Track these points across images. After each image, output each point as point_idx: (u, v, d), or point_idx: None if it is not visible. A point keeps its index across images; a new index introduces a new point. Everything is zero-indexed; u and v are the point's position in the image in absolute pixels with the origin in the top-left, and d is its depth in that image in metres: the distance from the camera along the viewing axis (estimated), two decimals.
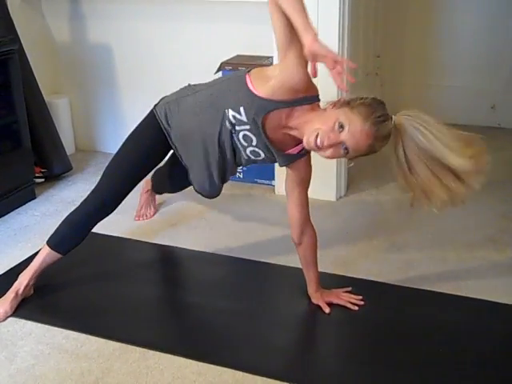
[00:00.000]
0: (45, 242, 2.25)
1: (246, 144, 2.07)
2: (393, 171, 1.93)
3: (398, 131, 1.89)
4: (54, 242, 2.23)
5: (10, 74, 2.98)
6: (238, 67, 3.07)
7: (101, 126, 3.79)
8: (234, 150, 2.11)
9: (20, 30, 3.24)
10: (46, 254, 2.24)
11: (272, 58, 3.00)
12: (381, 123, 1.88)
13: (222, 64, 3.13)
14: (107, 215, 2.23)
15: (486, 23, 4.00)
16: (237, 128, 2.03)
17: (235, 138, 2.06)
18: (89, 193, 2.23)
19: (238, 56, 3.22)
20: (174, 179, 2.56)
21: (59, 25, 3.64)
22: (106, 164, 2.24)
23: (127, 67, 3.59)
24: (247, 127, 2.02)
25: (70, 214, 2.24)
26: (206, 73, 3.20)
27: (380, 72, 4.21)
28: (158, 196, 2.99)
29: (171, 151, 2.25)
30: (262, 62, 3.10)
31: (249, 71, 2.04)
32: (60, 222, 2.26)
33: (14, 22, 3.21)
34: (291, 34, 1.85)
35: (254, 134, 2.03)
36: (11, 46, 2.95)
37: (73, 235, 2.22)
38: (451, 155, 1.85)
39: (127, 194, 2.24)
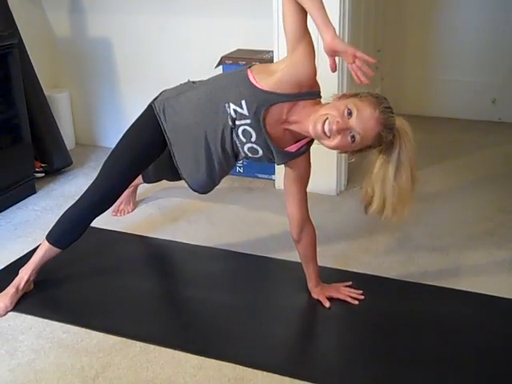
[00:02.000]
0: (44, 237, 2.26)
1: (244, 140, 2.06)
2: (366, 174, 1.96)
3: (398, 132, 1.90)
4: (53, 237, 2.24)
5: (10, 69, 2.97)
6: (238, 61, 3.07)
7: (101, 120, 3.78)
8: (233, 145, 2.10)
9: (20, 24, 3.23)
10: (45, 249, 2.24)
11: (272, 52, 3.00)
12: (388, 113, 1.89)
13: (222, 58, 3.13)
14: (105, 210, 2.23)
15: (486, 17, 4.00)
16: (237, 123, 2.02)
17: (234, 134, 2.06)
18: (88, 187, 2.23)
19: (239, 50, 3.22)
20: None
21: (59, 19, 3.64)
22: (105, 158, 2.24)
23: (127, 61, 3.59)
24: (248, 121, 2.01)
25: (69, 208, 2.24)
26: (206, 67, 3.21)
27: (381, 66, 4.20)
28: (139, 191, 3.01)
29: None
30: (263, 56, 3.10)
31: (250, 67, 2.04)
32: (56, 215, 2.26)
33: (14, 16, 3.20)
34: (303, 29, 1.88)
35: (254, 129, 2.02)
36: (11, 40, 2.95)
37: (71, 230, 2.22)
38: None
39: (125, 189, 2.25)
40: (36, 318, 2.17)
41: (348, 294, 2.23)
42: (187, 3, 3.33)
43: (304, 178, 2.13)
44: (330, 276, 2.33)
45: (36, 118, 3.26)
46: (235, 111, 2.01)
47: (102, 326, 2.11)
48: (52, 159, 3.36)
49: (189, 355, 1.97)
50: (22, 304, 2.24)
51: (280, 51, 2.92)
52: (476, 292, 2.26)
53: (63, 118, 3.65)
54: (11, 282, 2.25)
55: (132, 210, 2.96)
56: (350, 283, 2.29)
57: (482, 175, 3.28)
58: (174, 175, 2.29)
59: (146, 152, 2.20)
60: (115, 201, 2.25)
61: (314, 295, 2.23)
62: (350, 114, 1.86)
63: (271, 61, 3.00)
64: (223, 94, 2.04)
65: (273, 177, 3.21)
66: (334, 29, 1.81)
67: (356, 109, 1.86)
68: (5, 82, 2.97)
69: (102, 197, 2.19)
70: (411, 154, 1.90)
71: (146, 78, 3.54)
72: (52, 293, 2.33)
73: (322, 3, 1.83)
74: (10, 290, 2.24)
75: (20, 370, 1.93)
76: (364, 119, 1.86)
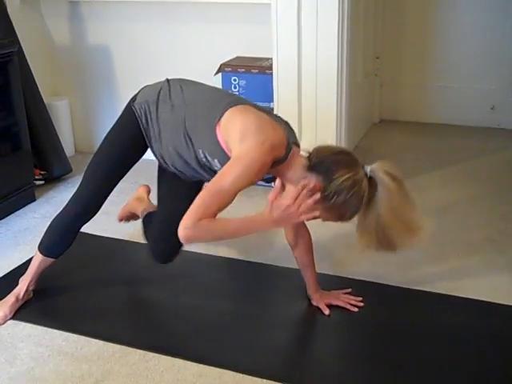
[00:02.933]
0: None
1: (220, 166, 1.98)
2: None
3: (374, 186, 1.84)
4: (44, 248, 2.23)
5: (10, 76, 2.98)
6: (237, 69, 3.08)
7: (100, 127, 3.78)
8: (205, 169, 2.04)
9: (19, 32, 3.24)
10: (39, 260, 2.24)
11: (271, 59, 3.01)
12: (355, 212, 1.87)
13: (221, 66, 3.13)
14: (91, 218, 2.19)
15: (485, 24, 4.01)
16: (209, 164, 1.99)
17: (207, 167, 2.01)
18: (71, 196, 2.19)
19: (238, 57, 3.22)
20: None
21: (58, 27, 3.65)
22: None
23: (126, 69, 3.59)
24: (219, 166, 1.95)
25: (54, 219, 2.21)
26: (205, 74, 3.21)
27: (379, 73, 4.22)
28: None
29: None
30: (262, 63, 3.11)
31: (219, 119, 1.91)
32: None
33: (14, 24, 3.21)
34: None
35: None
36: (11, 48, 2.95)
37: (60, 240, 2.20)
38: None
39: (108, 195, 2.18)
40: (35, 326, 2.17)
41: (347, 300, 2.22)
42: (186, 10, 3.34)
43: None
44: (330, 283, 2.33)
45: (35, 126, 3.27)
46: (208, 161, 1.97)
47: (102, 334, 2.11)
48: (51, 167, 3.37)
49: (188, 363, 1.96)
50: (22, 312, 2.24)
51: (279, 58, 2.93)
52: (476, 299, 2.26)
53: (63, 126, 3.66)
54: (10, 289, 2.25)
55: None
56: (350, 290, 2.29)
57: (481, 181, 3.28)
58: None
59: (127, 156, 2.13)
60: (99, 208, 2.18)
61: (314, 302, 2.23)
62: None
63: (270, 68, 3.01)
64: (196, 135, 1.97)
65: (273, 184, 3.20)
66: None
67: (323, 219, 1.88)
68: (4, 89, 2.98)
69: (84, 206, 2.15)
70: (392, 199, 1.83)
71: (144, 85, 3.54)
72: (51, 301, 2.33)
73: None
74: (10, 298, 2.23)
75: (19, 378, 1.93)
76: (326, 219, 1.89)
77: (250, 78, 3.10)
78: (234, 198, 1.81)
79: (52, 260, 2.24)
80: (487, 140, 3.90)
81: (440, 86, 4.19)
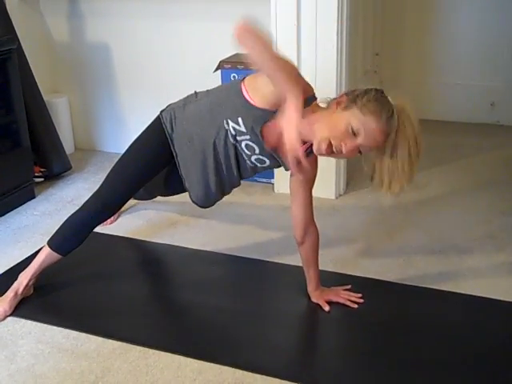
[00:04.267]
0: (45, 243, 2.25)
1: (249, 153, 2.07)
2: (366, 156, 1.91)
3: (397, 114, 1.85)
4: (54, 243, 2.23)
5: (9, 74, 2.98)
6: (236, 65, 3.07)
7: (100, 125, 3.78)
8: (238, 159, 2.10)
9: (18, 29, 3.23)
10: (46, 255, 2.24)
11: None
12: (392, 116, 1.83)
13: (220, 62, 3.13)
14: (107, 218, 2.25)
15: (484, 20, 4.00)
16: (238, 138, 2.03)
17: (239, 148, 2.06)
18: (91, 194, 2.22)
19: (237, 54, 3.22)
20: (171, 182, 2.48)
21: (58, 24, 3.64)
22: (106, 163, 2.24)
23: (126, 66, 3.59)
24: (247, 137, 2.01)
25: (72, 215, 2.23)
26: (204, 71, 3.21)
27: (379, 70, 4.21)
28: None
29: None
30: None
31: (243, 79, 2.02)
32: (60, 221, 2.25)
33: (13, 21, 3.20)
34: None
35: (256, 144, 2.02)
36: (10, 45, 2.95)
37: (74, 237, 2.21)
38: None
39: (129, 198, 2.25)
40: (35, 323, 2.17)
41: (347, 297, 2.22)
42: (185, 7, 3.33)
43: (311, 180, 2.12)
44: (329, 279, 2.33)
45: (35, 123, 3.26)
46: (234, 128, 2.01)
47: (102, 331, 2.11)
48: (51, 164, 3.36)
49: (188, 359, 1.96)
50: (22, 309, 2.24)
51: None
52: (476, 295, 2.26)
53: (62, 123, 3.66)
54: (10, 287, 2.25)
55: (112, 222, 2.88)
56: (350, 287, 2.29)
57: (481, 178, 3.28)
58: (167, 190, 2.27)
59: (152, 162, 2.18)
60: (118, 209, 2.25)
61: (314, 299, 2.23)
62: (355, 132, 1.82)
63: None
64: (221, 108, 2.04)
65: (272, 181, 3.21)
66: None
67: (361, 126, 1.82)
68: (4, 87, 2.97)
69: (105, 205, 2.18)
70: (410, 134, 1.83)
71: (145, 83, 3.55)
72: (51, 297, 2.33)
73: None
74: (9, 294, 2.23)
75: (19, 374, 1.92)
76: (370, 135, 1.82)
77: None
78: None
79: (58, 257, 2.23)
80: (487, 136, 3.90)
81: (440, 82, 4.19)
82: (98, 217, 2.20)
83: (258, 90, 1.96)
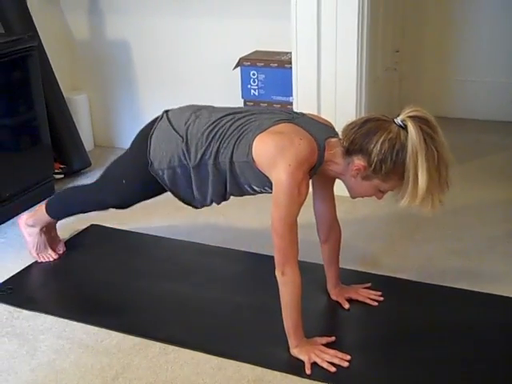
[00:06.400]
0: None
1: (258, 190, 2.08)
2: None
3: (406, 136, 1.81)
4: (50, 204, 2.36)
5: (30, 71, 3.00)
6: (256, 63, 3.07)
7: (119, 122, 3.80)
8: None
9: (39, 26, 3.26)
10: (42, 210, 2.38)
11: (290, 53, 2.99)
12: (405, 158, 1.79)
13: (240, 60, 3.13)
14: (109, 205, 2.30)
15: (505, 17, 3.96)
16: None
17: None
18: (111, 186, 2.26)
19: (257, 51, 3.22)
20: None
21: (78, 21, 3.66)
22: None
23: (145, 63, 3.60)
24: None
25: (81, 191, 2.31)
26: (224, 68, 3.21)
27: (399, 67, 4.19)
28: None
29: None
30: (281, 57, 3.10)
31: (252, 158, 1.92)
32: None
33: (33, 19, 3.23)
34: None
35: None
36: (31, 42, 2.97)
37: (69, 209, 2.29)
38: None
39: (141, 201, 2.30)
40: (56, 319, 2.18)
41: (367, 295, 2.22)
42: (205, 5, 3.34)
43: (334, 179, 2.11)
44: (349, 277, 2.32)
45: (55, 120, 3.28)
46: (259, 190, 2.03)
47: (122, 327, 2.12)
48: (71, 160, 3.38)
49: (208, 356, 1.97)
50: (42, 304, 2.26)
51: (298, 53, 2.91)
52: (497, 294, 2.24)
53: (82, 120, 3.67)
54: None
55: (57, 254, 2.56)
56: (369, 285, 2.28)
57: (502, 176, 3.25)
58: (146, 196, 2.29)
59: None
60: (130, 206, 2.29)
61: (333, 297, 2.22)
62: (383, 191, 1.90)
63: (289, 62, 3.00)
64: (242, 177, 2.00)
65: None
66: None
67: (387, 188, 1.88)
68: (24, 84, 2.99)
69: (122, 202, 2.26)
70: (425, 157, 1.81)
71: (164, 80, 3.55)
72: (72, 293, 2.35)
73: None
74: (32, 252, 2.42)
75: (40, 370, 1.94)
76: (396, 186, 1.86)
77: (269, 72, 3.09)
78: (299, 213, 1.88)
79: (49, 219, 2.38)
80: (507, 134, 3.86)
81: (460, 79, 4.15)
82: (107, 207, 2.29)
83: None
